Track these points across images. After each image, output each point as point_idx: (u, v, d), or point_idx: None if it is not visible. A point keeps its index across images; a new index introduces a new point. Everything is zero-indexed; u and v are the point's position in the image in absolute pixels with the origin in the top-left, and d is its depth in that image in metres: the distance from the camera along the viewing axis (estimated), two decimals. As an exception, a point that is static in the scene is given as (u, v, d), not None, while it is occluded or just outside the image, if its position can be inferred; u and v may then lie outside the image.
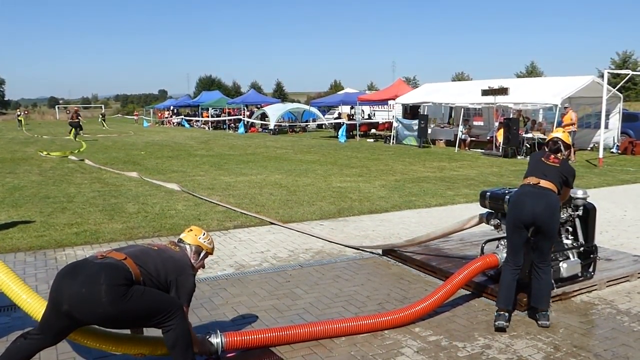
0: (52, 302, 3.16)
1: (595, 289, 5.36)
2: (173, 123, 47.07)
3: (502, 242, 5.18)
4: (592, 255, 5.43)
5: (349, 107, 35.08)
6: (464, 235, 7.00)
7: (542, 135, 19.50)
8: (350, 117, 32.32)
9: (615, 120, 20.98)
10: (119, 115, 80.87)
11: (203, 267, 3.85)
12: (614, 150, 20.24)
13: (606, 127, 19.52)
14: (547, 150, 4.87)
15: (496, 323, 4.48)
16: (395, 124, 25.41)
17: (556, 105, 18.63)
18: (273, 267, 6.15)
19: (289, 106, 38.39)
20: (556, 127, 18.49)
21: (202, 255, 3.77)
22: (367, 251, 6.80)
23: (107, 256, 3.29)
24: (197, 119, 44.69)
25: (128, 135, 32.75)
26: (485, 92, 20.17)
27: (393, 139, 24.89)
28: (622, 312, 4.87)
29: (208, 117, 42.87)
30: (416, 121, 23.58)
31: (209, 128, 40.57)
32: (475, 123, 25.01)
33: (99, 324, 3.18)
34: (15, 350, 3.22)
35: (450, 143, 23.37)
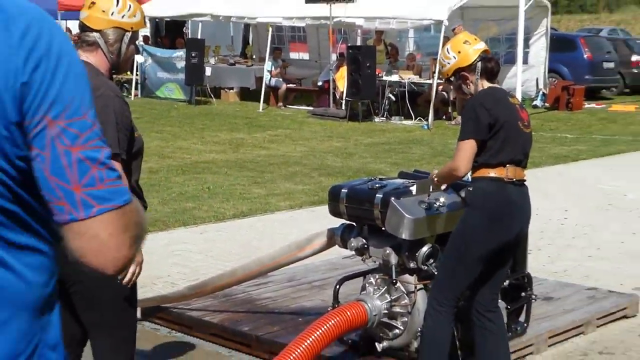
0: None
1: (530, 352, 5.98)
2: None
3: (373, 280, 5.54)
4: (523, 294, 6.05)
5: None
6: (296, 271, 7.35)
7: (416, 79, 20.95)
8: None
9: (540, 50, 23.31)
10: None
11: (136, 52, 4.09)
12: (538, 102, 22.48)
13: (525, 61, 21.53)
14: (500, 87, 5.40)
15: None
16: (140, 59, 25.35)
17: (440, 22, 20.07)
18: None
19: None
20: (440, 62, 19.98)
21: (126, 40, 4.00)
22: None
23: None
24: None
25: None
26: (311, -3, 20.91)
27: (137, 88, 24.87)
28: (578, 389, 5.57)
29: None
30: (181, 52, 23.81)
31: None
32: (294, 56, 25.97)
33: None
34: None
35: (249, 94, 24.12)
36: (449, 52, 5.21)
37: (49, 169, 1.63)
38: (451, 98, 20.05)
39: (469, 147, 4.86)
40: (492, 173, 4.92)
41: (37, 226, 1.75)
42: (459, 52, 5.15)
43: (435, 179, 5.15)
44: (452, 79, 5.27)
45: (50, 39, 1.66)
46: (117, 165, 2.37)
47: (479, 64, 5.12)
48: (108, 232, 1.67)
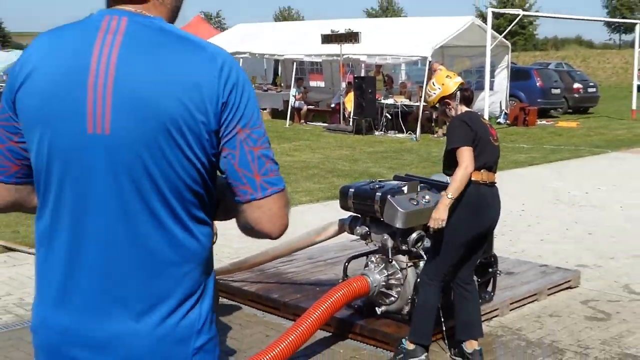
0: None
1: (496, 315, 6.02)
2: None
3: (374, 259, 5.55)
4: (490, 270, 6.06)
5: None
6: (314, 251, 7.34)
7: (407, 102, 21.00)
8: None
9: (502, 79, 23.38)
10: None
11: None
12: (501, 120, 22.50)
13: (491, 88, 21.61)
14: (470, 109, 5.29)
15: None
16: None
17: (425, 58, 20.13)
18: (21, 321, 5.88)
19: (14, 56, 36.34)
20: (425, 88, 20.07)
21: None
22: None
23: None
24: None
25: None
26: (327, 39, 21.09)
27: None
28: (533, 343, 5.54)
29: None
30: (226, 81, 23.99)
31: None
32: (313, 84, 26.05)
33: None
34: None
35: (278, 113, 24.18)
36: (434, 85, 5.21)
37: (237, 163, 1.87)
38: (434, 117, 20.08)
39: (467, 150, 4.86)
40: (471, 176, 4.90)
41: (209, 205, 1.96)
42: (443, 84, 5.15)
43: (450, 197, 4.86)
44: (437, 105, 5.25)
45: (237, 73, 1.89)
46: None
47: (459, 93, 5.13)
48: (277, 207, 1.91)
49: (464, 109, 5.15)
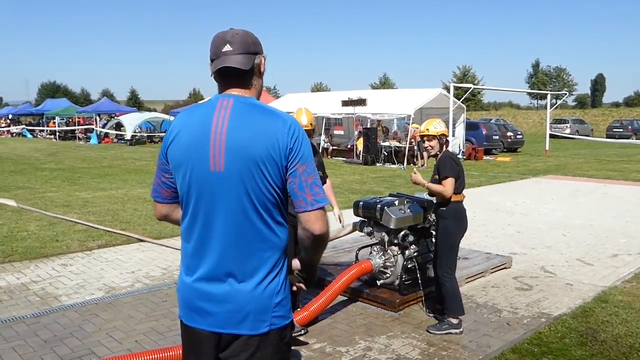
0: None
1: (457, 286, 5.90)
2: (12, 133, 42.92)
3: (376, 248, 5.50)
4: (453, 256, 5.96)
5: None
6: (336, 243, 7.30)
7: (397, 144, 20.97)
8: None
9: (461, 129, 23.20)
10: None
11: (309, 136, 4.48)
12: (460, 156, 22.32)
13: (453, 135, 21.52)
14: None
15: (462, 329, 4.70)
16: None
17: (409, 116, 20.13)
18: (147, 287, 5.91)
19: (146, 115, 36.91)
20: (410, 136, 20.02)
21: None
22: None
23: None
24: (41, 128, 41.33)
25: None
26: (345, 103, 21.21)
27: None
28: (480, 305, 5.44)
29: (55, 126, 39.78)
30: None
31: (56, 138, 37.62)
32: (336, 132, 26.10)
33: None
34: None
35: (313, 152, 24.19)
36: (440, 124, 4.89)
37: (297, 187, 1.99)
38: (416, 153, 20.01)
39: (451, 181, 4.67)
40: (456, 197, 4.75)
41: (284, 212, 2.07)
42: (443, 128, 4.91)
43: (427, 185, 4.77)
44: (439, 136, 4.83)
45: (299, 131, 2.01)
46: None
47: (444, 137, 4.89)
48: (320, 215, 2.01)
49: (443, 148, 4.87)
